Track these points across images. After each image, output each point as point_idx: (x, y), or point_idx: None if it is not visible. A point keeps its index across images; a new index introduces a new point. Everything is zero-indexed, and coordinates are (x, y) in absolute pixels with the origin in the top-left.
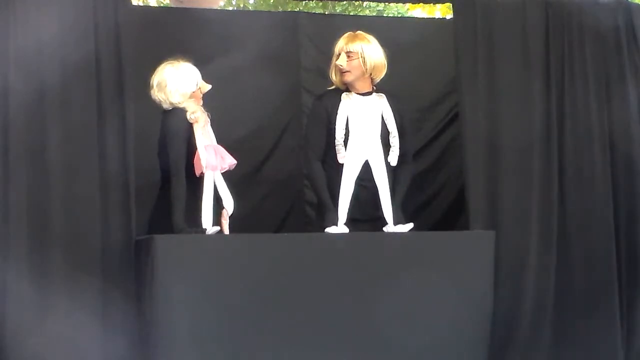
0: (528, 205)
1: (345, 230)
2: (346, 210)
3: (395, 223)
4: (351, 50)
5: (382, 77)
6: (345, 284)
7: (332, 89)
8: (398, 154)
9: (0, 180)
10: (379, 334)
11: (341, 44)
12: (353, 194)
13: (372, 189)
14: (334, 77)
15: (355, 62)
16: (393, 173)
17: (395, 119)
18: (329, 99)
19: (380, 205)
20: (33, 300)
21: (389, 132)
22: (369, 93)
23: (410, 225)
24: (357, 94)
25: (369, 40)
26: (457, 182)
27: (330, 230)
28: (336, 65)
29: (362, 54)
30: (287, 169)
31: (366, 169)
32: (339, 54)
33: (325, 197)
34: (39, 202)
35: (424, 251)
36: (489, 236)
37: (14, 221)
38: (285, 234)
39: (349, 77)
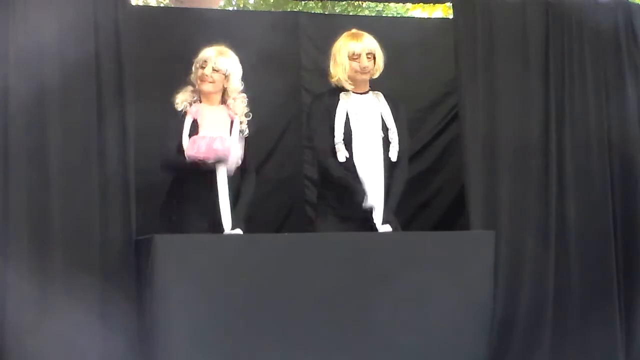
0: (527, 205)
1: (389, 228)
2: (383, 208)
3: (384, 222)
4: (369, 51)
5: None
6: (345, 284)
7: (330, 89)
8: (398, 149)
9: (0, 180)
10: (379, 334)
11: (359, 45)
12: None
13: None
14: (343, 75)
15: (371, 62)
16: (389, 172)
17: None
18: (328, 98)
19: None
20: (33, 300)
21: (388, 129)
22: (366, 92)
23: (389, 228)
24: (356, 93)
25: (371, 38)
26: (457, 182)
27: (382, 229)
28: (360, 67)
29: (375, 53)
30: (287, 169)
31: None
32: (359, 54)
33: (356, 183)
34: (39, 202)
35: (424, 251)
36: (489, 236)
37: (14, 221)
38: (285, 234)
39: (367, 77)
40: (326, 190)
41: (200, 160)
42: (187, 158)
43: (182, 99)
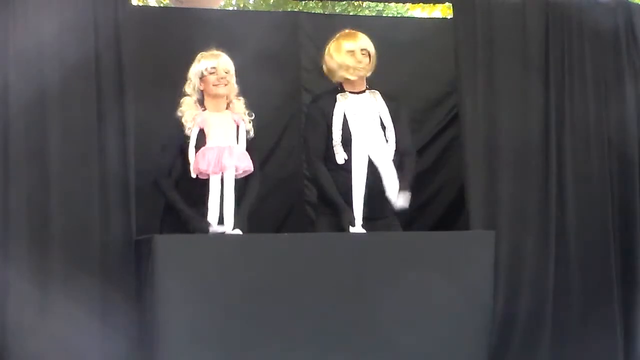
0: (527, 205)
1: (362, 230)
2: (362, 210)
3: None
4: (364, 47)
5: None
6: (345, 284)
7: (327, 91)
8: (395, 148)
9: (0, 180)
10: (379, 334)
11: (351, 43)
12: (343, 191)
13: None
14: (340, 73)
15: (367, 59)
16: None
17: (391, 117)
18: (325, 100)
19: (370, 204)
20: (33, 300)
21: (385, 127)
22: (363, 91)
23: (407, 195)
24: (352, 92)
25: (366, 37)
26: (457, 182)
27: (352, 230)
28: (353, 63)
29: (369, 51)
30: (287, 168)
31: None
32: (353, 51)
33: (337, 197)
34: (39, 202)
35: (424, 251)
36: (489, 236)
37: (14, 221)
38: (285, 234)
39: (362, 73)
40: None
41: (207, 174)
42: (194, 171)
43: (191, 115)
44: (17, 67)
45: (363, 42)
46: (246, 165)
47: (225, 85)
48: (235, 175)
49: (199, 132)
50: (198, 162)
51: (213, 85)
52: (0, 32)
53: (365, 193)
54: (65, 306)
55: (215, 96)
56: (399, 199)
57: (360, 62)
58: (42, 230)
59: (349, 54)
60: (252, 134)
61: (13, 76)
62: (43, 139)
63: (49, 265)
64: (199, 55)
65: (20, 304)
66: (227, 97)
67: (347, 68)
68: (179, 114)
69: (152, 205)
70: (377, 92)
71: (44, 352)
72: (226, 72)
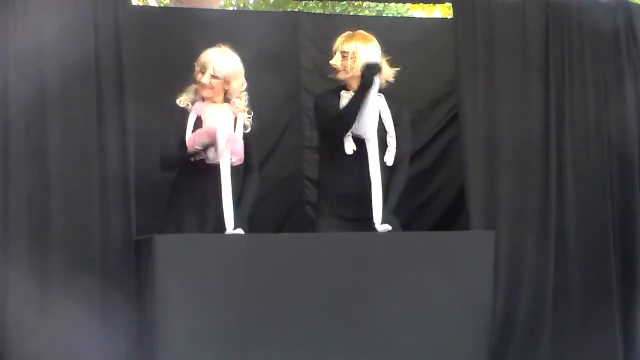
0: (527, 205)
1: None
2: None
3: (383, 222)
4: (345, 50)
5: (383, 77)
6: (345, 284)
7: (330, 89)
8: (394, 154)
9: (0, 180)
10: (379, 334)
11: (337, 43)
12: (343, 191)
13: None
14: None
15: (347, 62)
16: (389, 173)
17: (393, 119)
18: (330, 97)
19: (370, 204)
20: (33, 300)
21: (386, 132)
22: None
23: (388, 227)
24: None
25: (366, 40)
26: (457, 182)
27: (381, 228)
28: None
29: (355, 53)
30: (287, 168)
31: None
32: (335, 53)
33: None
34: (39, 202)
35: (424, 251)
36: (489, 236)
37: (14, 221)
38: (285, 234)
39: (341, 76)
40: (326, 189)
41: (199, 148)
42: (188, 150)
43: (185, 98)
44: (17, 67)
45: (350, 45)
46: (239, 149)
47: (210, 89)
48: (230, 157)
49: (196, 119)
50: (189, 141)
51: (199, 84)
52: (0, 32)
53: (359, 194)
54: (65, 306)
55: (202, 95)
56: (381, 226)
57: (332, 65)
58: (42, 230)
59: (332, 54)
60: (249, 129)
61: (13, 76)
62: (43, 139)
63: (49, 265)
64: (209, 49)
65: (20, 304)
66: (225, 93)
67: (332, 67)
68: (178, 99)
69: (152, 205)
70: (382, 95)
71: (44, 352)
72: (214, 77)
